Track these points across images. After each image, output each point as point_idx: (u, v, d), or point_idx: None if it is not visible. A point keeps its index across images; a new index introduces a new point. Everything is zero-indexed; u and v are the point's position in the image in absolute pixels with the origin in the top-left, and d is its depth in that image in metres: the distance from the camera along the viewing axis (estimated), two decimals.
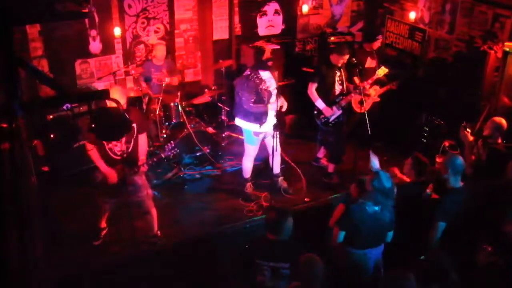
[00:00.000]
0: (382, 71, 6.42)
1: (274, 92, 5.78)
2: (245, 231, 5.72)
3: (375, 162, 4.20)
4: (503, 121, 5.23)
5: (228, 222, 5.84)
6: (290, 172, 6.55)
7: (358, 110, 6.73)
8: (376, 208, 4.14)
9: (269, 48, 5.93)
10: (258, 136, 6.00)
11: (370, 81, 6.40)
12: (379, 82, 6.83)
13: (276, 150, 5.91)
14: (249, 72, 5.87)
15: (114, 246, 5.39)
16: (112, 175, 4.89)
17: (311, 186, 6.52)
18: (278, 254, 3.83)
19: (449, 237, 4.34)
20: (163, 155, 5.03)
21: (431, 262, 3.61)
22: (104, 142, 4.83)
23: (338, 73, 6.32)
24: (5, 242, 2.40)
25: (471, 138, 5.39)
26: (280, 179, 6.37)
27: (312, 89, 6.33)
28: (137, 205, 5.09)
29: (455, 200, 4.37)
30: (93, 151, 4.86)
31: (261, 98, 5.74)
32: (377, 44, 7.22)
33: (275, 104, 5.80)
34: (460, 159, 4.45)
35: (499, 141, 5.22)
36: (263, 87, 5.73)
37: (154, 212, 5.32)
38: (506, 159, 4.87)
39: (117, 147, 4.90)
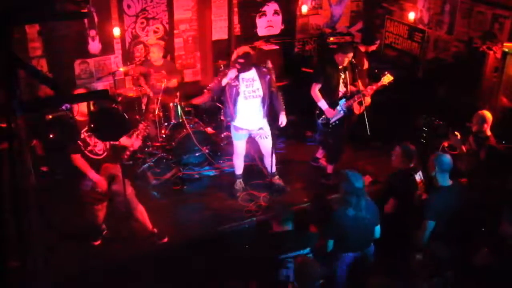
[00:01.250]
0: (387, 79, 6.24)
1: (253, 94, 5.74)
2: (244, 231, 5.76)
3: None
4: (485, 113, 5.29)
5: (227, 222, 5.86)
6: (286, 171, 6.55)
7: (356, 111, 6.71)
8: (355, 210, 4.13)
9: (241, 49, 5.85)
10: (238, 131, 5.99)
11: (374, 87, 6.31)
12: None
13: (267, 151, 6.01)
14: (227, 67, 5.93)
15: (114, 247, 5.38)
16: (102, 183, 4.96)
17: (309, 186, 6.53)
18: (298, 242, 3.87)
19: (439, 236, 4.32)
20: (141, 134, 5.05)
21: (432, 255, 3.58)
22: (82, 146, 4.87)
23: (342, 75, 6.26)
24: (5, 242, 2.40)
25: (459, 137, 5.44)
26: (276, 178, 6.37)
27: (316, 89, 6.29)
28: (123, 205, 5.07)
29: (443, 199, 4.34)
30: (80, 160, 4.88)
31: (226, 92, 5.73)
32: (372, 48, 7.21)
33: (256, 106, 5.81)
34: (447, 157, 4.42)
35: (489, 133, 5.27)
36: (231, 83, 5.68)
37: (141, 208, 5.31)
38: (506, 160, 4.89)
39: (97, 146, 4.97)
